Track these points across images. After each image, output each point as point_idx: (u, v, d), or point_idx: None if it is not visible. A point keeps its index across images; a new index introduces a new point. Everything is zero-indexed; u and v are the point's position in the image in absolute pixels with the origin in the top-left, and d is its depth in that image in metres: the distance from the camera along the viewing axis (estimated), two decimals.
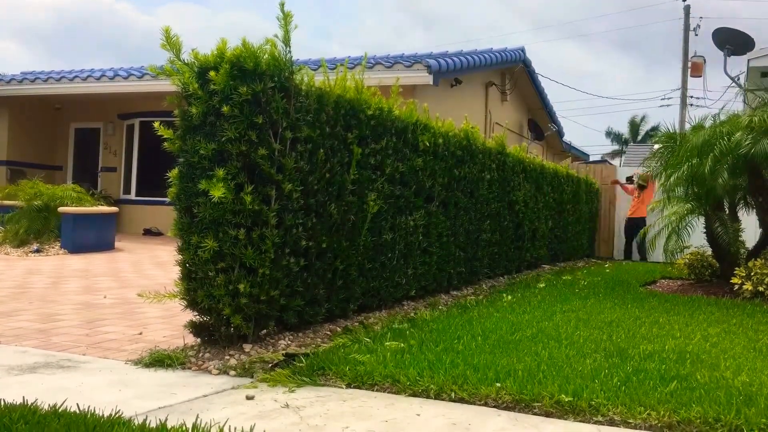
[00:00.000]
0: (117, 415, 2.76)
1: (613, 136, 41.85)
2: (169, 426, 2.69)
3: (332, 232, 4.80)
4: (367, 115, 5.22)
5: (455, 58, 11.97)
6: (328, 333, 4.71)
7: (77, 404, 2.93)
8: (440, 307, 6.17)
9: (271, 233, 4.08)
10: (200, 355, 3.97)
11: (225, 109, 3.94)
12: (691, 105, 25.61)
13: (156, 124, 4.29)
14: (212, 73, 3.95)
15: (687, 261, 9.18)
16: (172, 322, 4.99)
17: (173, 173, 4.15)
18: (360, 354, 3.94)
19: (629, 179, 14.46)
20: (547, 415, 3.14)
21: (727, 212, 8.81)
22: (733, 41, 14.66)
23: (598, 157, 30.67)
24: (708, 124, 8.33)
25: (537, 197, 9.94)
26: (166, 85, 4.41)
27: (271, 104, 4.09)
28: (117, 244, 11.09)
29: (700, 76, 21.82)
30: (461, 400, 3.31)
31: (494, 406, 3.24)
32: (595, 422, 3.07)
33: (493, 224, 8.09)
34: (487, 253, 8.01)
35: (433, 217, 6.46)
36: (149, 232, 13.87)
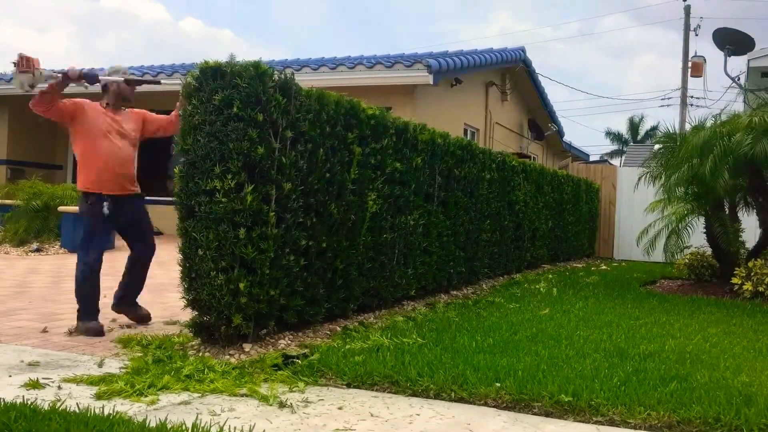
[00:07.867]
0: (117, 414, 2.77)
1: (613, 136, 41.84)
2: (168, 425, 2.69)
3: (332, 231, 4.80)
4: (367, 115, 5.22)
5: (455, 58, 11.95)
6: (328, 333, 4.71)
7: (77, 403, 2.93)
8: (440, 306, 6.17)
9: (271, 232, 4.08)
10: (200, 354, 3.97)
11: (225, 107, 3.94)
12: (692, 105, 25.53)
13: None
14: (213, 73, 3.95)
15: (687, 261, 9.19)
16: (172, 321, 4.98)
17: (175, 172, 4.15)
18: (360, 354, 3.94)
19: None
20: (547, 414, 3.15)
21: (727, 212, 8.82)
22: (733, 41, 14.62)
23: (597, 157, 30.70)
24: (709, 124, 8.33)
25: (537, 197, 9.94)
26: (167, 85, 4.41)
27: (271, 103, 4.09)
28: (117, 243, 11.06)
29: (701, 77, 21.78)
30: (461, 400, 3.31)
31: (494, 406, 3.25)
32: (595, 422, 3.07)
33: (493, 224, 8.09)
34: (487, 253, 8.01)
35: (432, 216, 6.46)
36: None
